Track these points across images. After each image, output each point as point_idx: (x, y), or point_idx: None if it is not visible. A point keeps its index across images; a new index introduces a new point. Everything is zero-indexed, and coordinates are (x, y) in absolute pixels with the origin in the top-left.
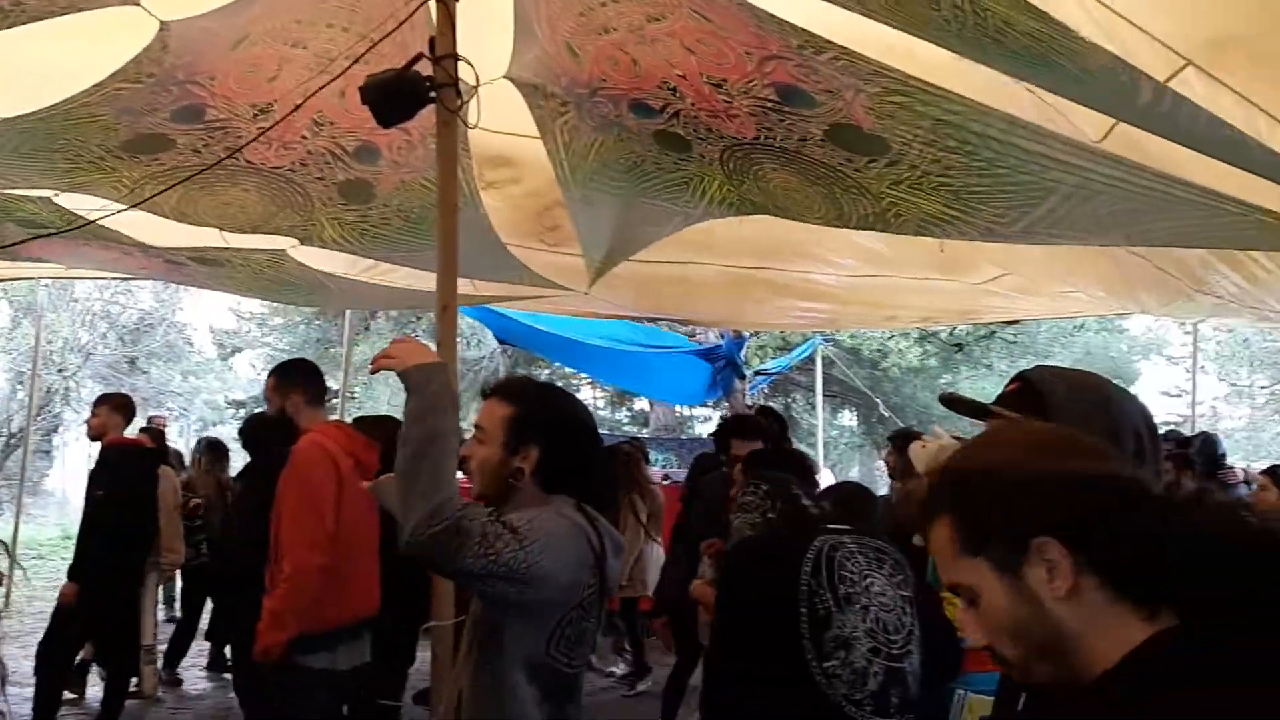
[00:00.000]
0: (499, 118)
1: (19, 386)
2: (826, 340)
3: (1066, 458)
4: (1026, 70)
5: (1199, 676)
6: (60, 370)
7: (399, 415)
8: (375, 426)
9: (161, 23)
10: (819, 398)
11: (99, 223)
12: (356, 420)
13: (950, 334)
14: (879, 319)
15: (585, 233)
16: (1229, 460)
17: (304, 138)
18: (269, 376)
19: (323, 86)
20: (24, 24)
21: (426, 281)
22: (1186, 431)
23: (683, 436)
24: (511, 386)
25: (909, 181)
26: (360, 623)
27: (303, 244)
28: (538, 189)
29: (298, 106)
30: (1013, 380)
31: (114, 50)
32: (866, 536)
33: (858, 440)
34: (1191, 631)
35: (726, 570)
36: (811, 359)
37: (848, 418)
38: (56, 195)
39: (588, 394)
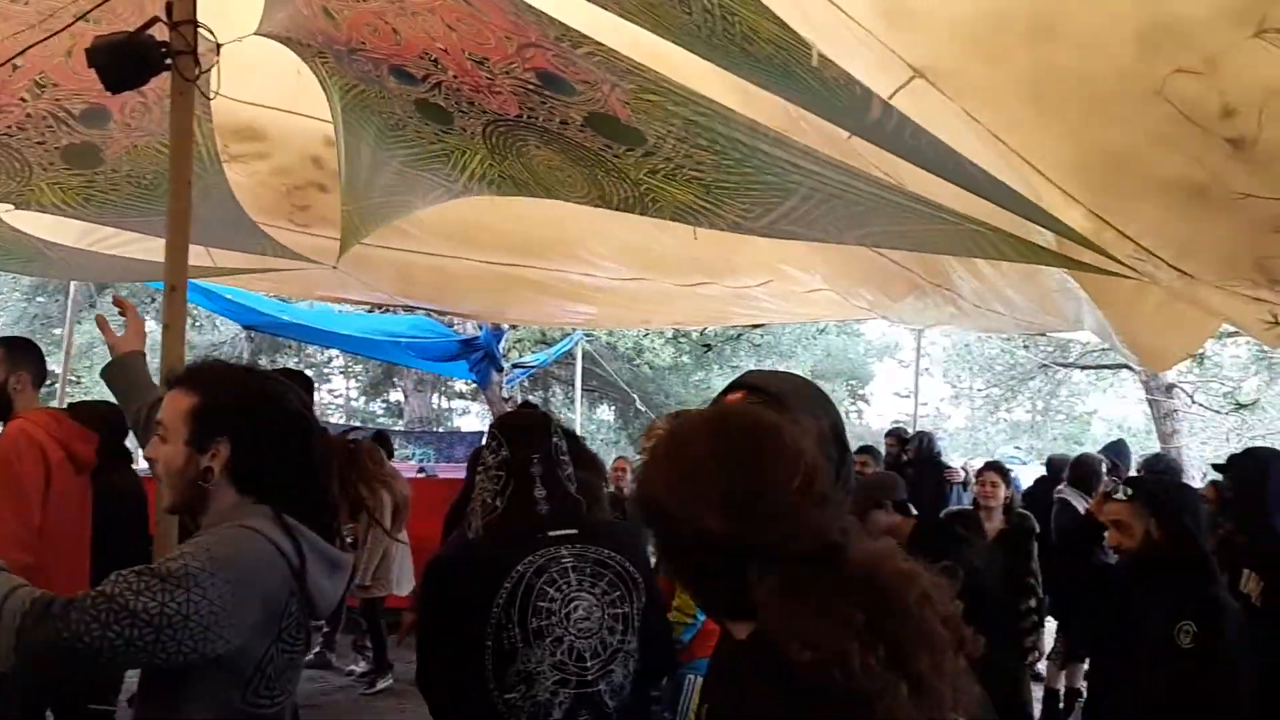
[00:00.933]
0: (247, 88)
1: None
2: (586, 336)
3: (672, 504)
4: (771, 79)
5: (747, 671)
6: None
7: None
8: (93, 413)
9: None
10: (578, 392)
11: None
12: (72, 406)
13: (701, 334)
14: (635, 320)
15: (348, 171)
16: (951, 458)
17: (23, 100)
18: None
19: (38, 42)
20: None
21: (159, 252)
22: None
23: (440, 430)
24: (197, 373)
25: (664, 172)
26: None
27: (18, 208)
28: (287, 166)
29: (10, 61)
30: (735, 388)
31: None
32: (590, 545)
33: (614, 435)
34: (761, 634)
35: (431, 577)
36: (571, 353)
37: (605, 412)
38: None
39: (340, 383)
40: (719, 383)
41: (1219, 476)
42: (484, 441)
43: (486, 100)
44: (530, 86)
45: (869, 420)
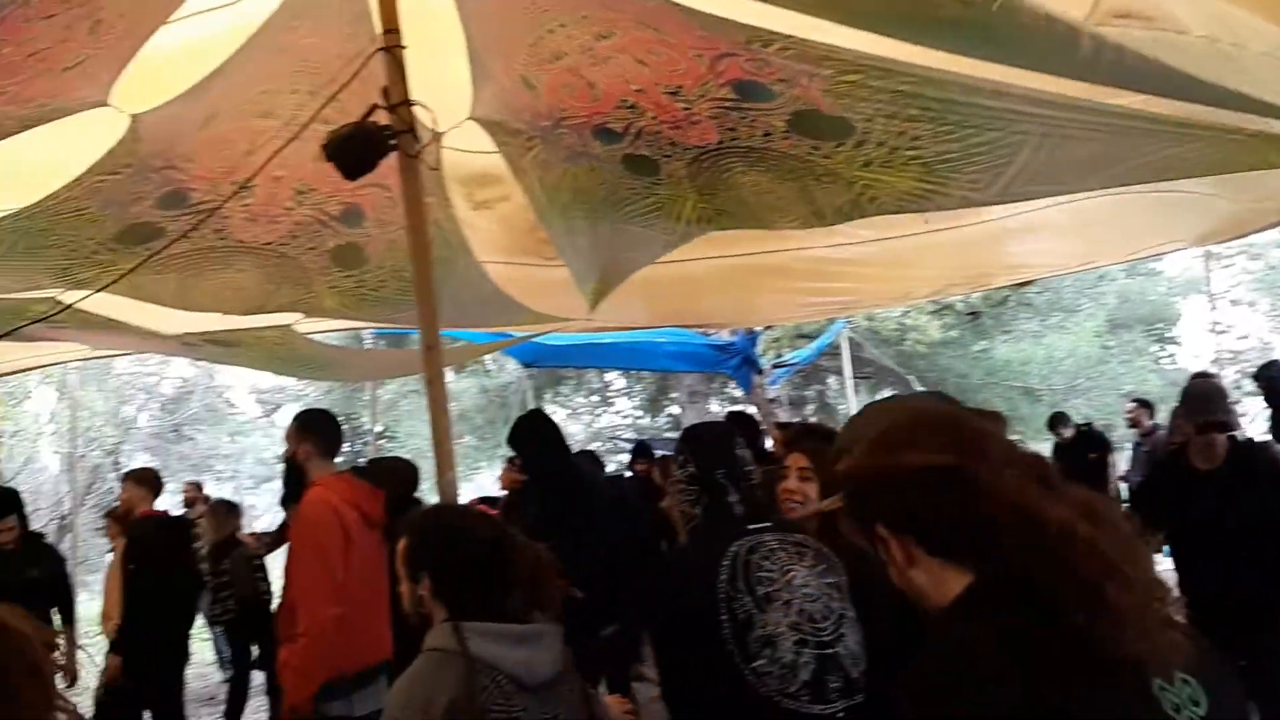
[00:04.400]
0: (482, 139)
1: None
2: (847, 323)
3: (899, 451)
4: (964, 43)
5: (978, 614)
6: (103, 447)
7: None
8: (382, 470)
9: (132, 117)
10: (848, 381)
11: (110, 317)
12: (371, 462)
13: (965, 304)
14: (894, 296)
15: (574, 266)
16: None
17: (288, 209)
18: (290, 422)
19: (280, 149)
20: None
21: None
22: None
23: None
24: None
25: (879, 160)
26: (374, 669)
27: (307, 317)
28: (529, 203)
29: (270, 173)
30: None
31: (89, 145)
32: (787, 531)
33: None
34: (983, 583)
35: (658, 588)
36: (835, 345)
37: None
38: (61, 294)
39: (624, 404)
40: (1003, 350)
41: None
42: (674, 454)
43: (686, 135)
44: (728, 104)
45: (1183, 363)
